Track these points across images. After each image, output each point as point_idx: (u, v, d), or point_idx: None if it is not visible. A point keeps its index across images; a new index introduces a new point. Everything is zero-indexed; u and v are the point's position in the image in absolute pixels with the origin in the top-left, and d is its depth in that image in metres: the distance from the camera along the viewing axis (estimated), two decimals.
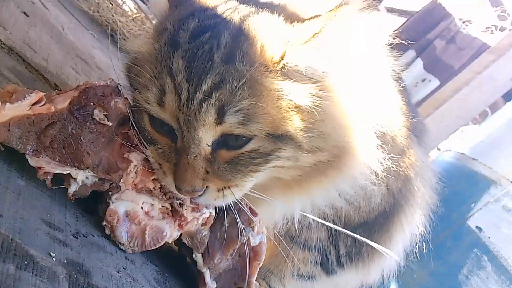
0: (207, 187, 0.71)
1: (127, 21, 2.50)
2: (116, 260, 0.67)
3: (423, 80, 3.33)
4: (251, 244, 0.83)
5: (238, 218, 0.81)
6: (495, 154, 2.60)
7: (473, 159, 2.66)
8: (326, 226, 0.96)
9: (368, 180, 0.84)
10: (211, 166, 0.69)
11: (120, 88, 0.69)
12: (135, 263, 0.71)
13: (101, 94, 0.65)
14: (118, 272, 0.64)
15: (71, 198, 0.68)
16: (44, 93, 0.65)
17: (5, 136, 0.61)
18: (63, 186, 0.67)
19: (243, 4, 0.78)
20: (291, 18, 0.73)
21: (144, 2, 3.49)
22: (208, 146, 0.69)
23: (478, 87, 2.66)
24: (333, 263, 1.03)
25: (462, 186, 2.54)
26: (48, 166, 0.64)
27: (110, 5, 2.59)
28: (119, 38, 2.37)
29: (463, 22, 3.35)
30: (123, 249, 0.72)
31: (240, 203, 0.80)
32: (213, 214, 0.80)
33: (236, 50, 0.67)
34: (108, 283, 0.59)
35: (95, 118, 0.65)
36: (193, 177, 0.68)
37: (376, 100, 0.85)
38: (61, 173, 0.66)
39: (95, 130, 0.66)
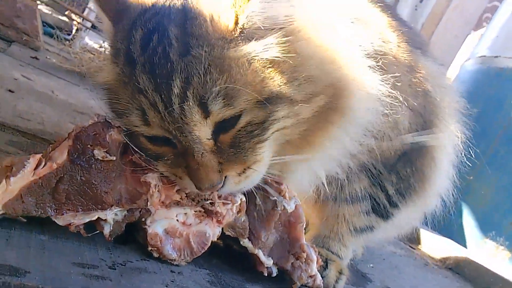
0: (225, 176, 0.63)
1: None
2: (161, 276, 0.62)
3: (421, 1, 3.13)
4: (288, 211, 0.77)
5: (269, 192, 0.75)
6: None
7: (496, 57, 2.50)
8: (366, 173, 0.88)
9: (381, 107, 0.74)
10: (220, 156, 0.62)
11: (108, 120, 0.61)
12: (183, 274, 0.65)
13: (93, 133, 0.58)
14: (166, 286, 0.59)
15: (109, 238, 0.62)
16: (41, 154, 0.58)
17: (22, 208, 0.55)
18: (97, 232, 0.61)
19: None
20: None
21: None
22: (209, 139, 0.62)
23: None
24: (386, 206, 0.93)
25: (495, 87, 2.38)
26: (75, 219, 0.58)
27: (91, 55, 2.50)
28: None
29: None
30: (176, 264, 0.67)
31: (264, 178, 0.74)
32: (244, 199, 0.74)
33: (188, 37, 0.60)
34: None
35: (98, 158, 0.58)
36: (208, 173, 0.61)
37: (354, 23, 0.75)
38: (91, 220, 0.60)
39: (102, 168, 0.59)
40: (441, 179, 1.00)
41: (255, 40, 0.61)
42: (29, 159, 0.55)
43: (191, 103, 0.58)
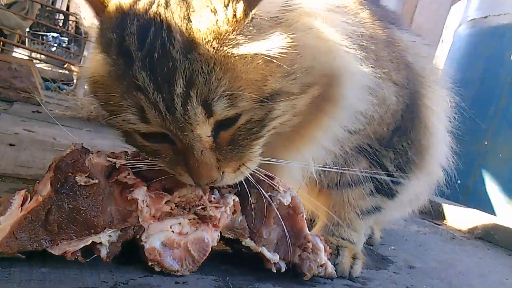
0: (223, 172, 0.64)
1: None
2: None
3: None
4: (285, 204, 0.77)
5: (261, 189, 0.75)
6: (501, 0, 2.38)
7: (485, 17, 2.46)
8: (363, 153, 0.88)
9: (369, 91, 0.74)
10: (219, 153, 0.62)
11: (86, 147, 0.63)
12: (188, 283, 0.66)
13: (72, 161, 0.60)
14: None
15: (107, 260, 0.63)
16: (25, 190, 0.60)
17: (17, 245, 0.56)
18: (95, 256, 0.63)
19: None
20: None
21: None
22: (209, 136, 0.61)
23: None
24: (388, 184, 0.92)
25: (491, 47, 2.34)
26: (70, 247, 0.60)
27: (90, 98, 2.58)
28: None
29: None
30: (180, 275, 0.67)
31: (255, 176, 0.74)
32: (236, 200, 0.74)
33: (192, 32, 0.56)
34: None
35: (81, 184, 0.60)
36: (208, 170, 0.61)
37: (334, 10, 0.75)
38: (86, 246, 0.61)
39: (87, 194, 0.61)
40: (439, 147, 0.99)
41: (260, 35, 0.59)
42: (14, 196, 0.57)
43: (194, 104, 0.56)
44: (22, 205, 0.58)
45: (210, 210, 0.70)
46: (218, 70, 0.56)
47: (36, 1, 4.21)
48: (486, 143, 2.18)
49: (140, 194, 0.64)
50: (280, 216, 0.77)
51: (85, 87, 3.64)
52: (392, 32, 0.90)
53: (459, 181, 2.25)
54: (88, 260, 0.62)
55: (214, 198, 0.71)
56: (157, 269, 0.66)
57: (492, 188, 2.12)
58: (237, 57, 0.57)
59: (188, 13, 0.58)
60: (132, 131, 0.62)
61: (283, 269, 0.76)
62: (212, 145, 0.62)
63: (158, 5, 0.59)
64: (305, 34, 0.63)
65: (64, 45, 6.43)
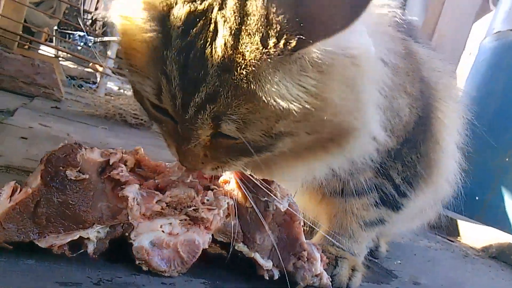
0: (203, 164, 0.66)
1: (127, 102, 2.50)
2: None
3: None
4: (282, 210, 0.75)
5: (258, 194, 0.74)
6: None
7: (511, 30, 2.38)
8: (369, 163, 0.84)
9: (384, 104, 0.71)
10: (209, 151, 0.64)
11: (79, 142, 0.63)
12: (175, 285, 0.65)
13: (64, 155, 0.60)
14: None
15: (94, 256, 0.62)
16: (15, 181, 0.60)
17: (4, 236, 0.57)
18: (82, 250, 0.62)
19: None
20: None
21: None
22: (207, 136, 0.61)
23: None
24: (394, 196, 0.89)
25: None
26: (57, 240, 0.59)
27: (108, 97, 2.63)
28: (130, 118, 2.38)
29: None
30: (168, 275, 0.66)
31: (252, 180, 0.73)
32: (231, 203, 0.73)
33: (235, 54, 0.53)
34: None
35: (71, 179, 0.60)
36: (193, 160, 0.64)
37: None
38: (73, 240, 0.61)
39: (78, 188, 0.61)
40: (448, 162, 0.95)
41: (294, 78, 0.54)
42: (3, 188, 0.58)
43: (206, 116, 0.56)
44: (11, 196, 0.58)
45: (202, 212, 0.69)
46: (242, 99, 0.55)
47: (63, 0, 4.32)
48: (507, 159, 2.09)
49: (131, 191, 0.64)
50: (275, 222, 0.76)
51: (107, 84, 3.73)
52: (410, 44, 0.88)
53: (477, 197, 2.17)
54: (75, 255, 0.61)
55: (208, 200, 0.70)
56: (144, 268, 0.65)
57: (511, 205, 2.04)
58: (264, 94, 0.54)
59: (239, 29, 0.53)
60: (143, 95, 0.61)
61: (276, 277, 0.74)
62: (206, 144, 0.62)
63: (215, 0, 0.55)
64: (340, 90, 0.59)
65: (90, 44, 6.58)
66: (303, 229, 0.77)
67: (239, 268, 0.75)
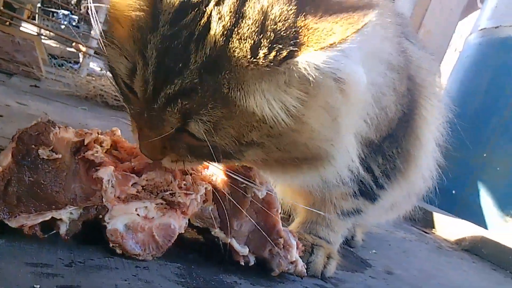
0: (163, 155, 0.64)
1: (108, 84, 2.45)
2: (123, 272, 0.61)
3: None
4: (260, 197, 0.75)
5: (236, 181, 0.74)
6: None
7: (496, 27, 2.39)
8: None
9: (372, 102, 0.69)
10: (170, 143, 0.61)
11: (52, 120, 0.61)
12: (149, 268, 0.64)
13: (36, 133, 0.58)
14: (125, 280, 0.58)
15: (66, 237, 0.61)
16: None
17: None
18: (54, 231, 0.61)
19: None
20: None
21: None
22: (171, 128, 0.57)
23: None
24: (373, 188, 0.90)
25: (500, 58, 2.27)
26: (28, 220, 0.58)
27: (88, 78, 2.57)
28: (111, 100, 2.34)
29: None
30: (142, 259, 0.66)
31: (231, 166, 0.73)
32: (209, 188, 0.72)
33: (222, 56, 0.50)
34: None
35: (43, 158, 0.58)
36: (152, 149, 0.61)
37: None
38: (45, 220, 0.59)
39: (50, 168, 0.59)
40: (426, 159, 0.97)
41: (278, 91, 0.52)
42: None
43: (175, 110, 0.54)
44: None
45: (179, 197, 0.68)
46: (219, 102, 0.52)
47: None
48: (485, 155, 2.14)
49: (106, 173, 0.63)
50: (253, 209, 0.76)
51: (89, 65, 3.65)
52: (402, 42, 0.88)
53: (454, 192, 2.22)
54: (46, 236, 0.60)
55: (185, 184, 0.70)
56: (118, 251, 0.64)
57: (487, 201, 2.09)
58: (243, 103, 0.52)
59: (232, 31, 0.50)
60: (116, 70, 0.59)
61: (251, 263, 0.74)
62: (167, 135, 0.58)
63: None
64: (322, 117, 0.57)
65: (74, 24, 6.42)
66: (281, 216, 0.78)
67: (214, 253, 0.75)
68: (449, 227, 1.72)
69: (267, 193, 0.76)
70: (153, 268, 0.65)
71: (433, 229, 1.77)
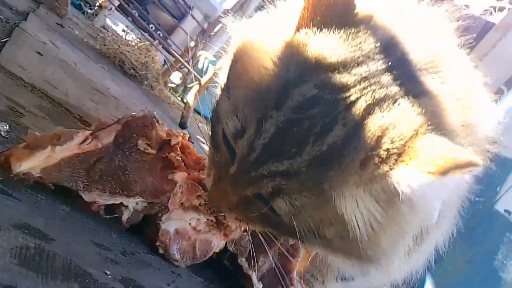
0: (229, 210, 0.64)
1: (133, 50, 2.43)
2: (164, 275, 0.64)
3: None
4: (289, 242, 0.80)
5: None
6: None
7: (493, 142, 2.47)
8: None
9: None
10: (244, 205, 0.61)
11: (156, 117, 0.64)
12: (181, 276, 0.67)
13: (142, 125, 0.61)
14: (168, 285, 0.61)
15: (126, 225, 0.64)
16: (90, 131, 0.60)
17: (57, 177, 0.56)
18: (116, 215, 0.63)
19: (388, 74, 0.54)
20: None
21: (146, 32, 3.41)
22: (251, 193, 0.58)
23: (489, 65, 2.42)
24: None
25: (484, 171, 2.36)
26: (100, 198, 0.60)
27: (115, 37, 2.53)
28: (128, 67, 2.32)
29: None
30: (177, 265, 0.69)
31: None
32: None
33: (336, 155, 0.51)
34: None
35: (139, 148, 0.61)
36: (222, 200, 0.62)
37: None
38: (113, 203, 0.62)
39: (140, 159, 0.62)
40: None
41: (366, 201, 0.53)
42: (78, 133, 0.58)
43: (269, 184, 0.54)
44: (81, 143, 0.58)
45: (229, 220, 0.72)
46: (313, 194, 0.54)
47: None
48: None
49: (180, 178, 0.66)
50: (279, 251, 0.81)
51: (106, 20, 3.55)
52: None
53: None
54: (108, 217, 0.62)
55: None
56: (161, 251, 0.67)
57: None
58: (337, 203, 0.53)
59: (348, 139, 0.51)
60: (222, 121, 0.59)
61: None
62: (246, 198, 0.60)
63: (345, 96, 0.52)
64: (392, 232, 0.58)
65: None
66: None
67: (227, 277, 0.79)
68: None
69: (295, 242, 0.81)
70: (184, 278, 0.68)
71: None
